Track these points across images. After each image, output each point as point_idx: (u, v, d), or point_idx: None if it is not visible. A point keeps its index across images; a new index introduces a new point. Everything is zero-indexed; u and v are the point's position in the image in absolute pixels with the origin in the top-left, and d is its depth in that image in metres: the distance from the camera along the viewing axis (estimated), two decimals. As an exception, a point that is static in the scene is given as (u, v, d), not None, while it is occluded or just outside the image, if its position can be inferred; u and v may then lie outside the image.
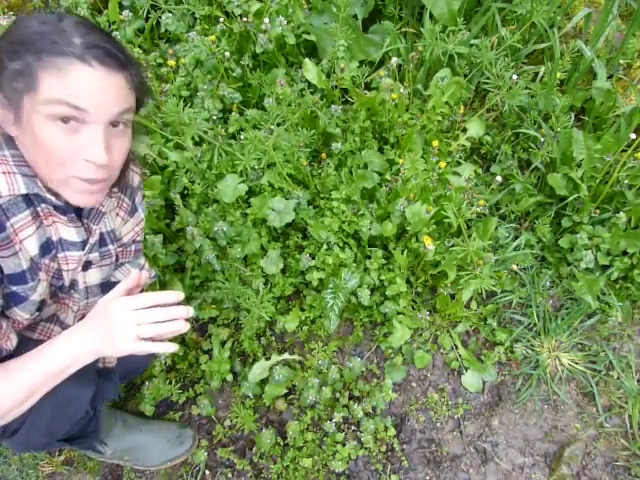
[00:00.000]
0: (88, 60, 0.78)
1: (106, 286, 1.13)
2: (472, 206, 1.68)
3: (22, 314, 0.99)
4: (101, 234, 1.05)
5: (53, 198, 0.90)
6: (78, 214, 0.99)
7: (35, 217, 0.91)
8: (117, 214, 1.10)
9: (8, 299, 0.94)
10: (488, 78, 1.86)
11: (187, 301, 1.70)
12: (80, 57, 0.77)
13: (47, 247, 0.96)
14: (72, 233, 0.97)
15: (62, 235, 0.97)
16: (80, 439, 1.26)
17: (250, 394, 1.65)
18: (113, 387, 1.24)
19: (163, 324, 0.91)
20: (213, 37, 1.82)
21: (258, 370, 1.60)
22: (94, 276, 1.09)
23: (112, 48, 0.81)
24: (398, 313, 1.76)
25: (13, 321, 0.99)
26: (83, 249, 1.01)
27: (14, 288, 0.93)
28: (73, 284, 1.06)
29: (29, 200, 0.89)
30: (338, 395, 1.67)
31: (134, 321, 0.90)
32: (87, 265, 1.05)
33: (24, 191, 0.86)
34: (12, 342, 0.96)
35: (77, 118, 0.79)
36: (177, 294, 0.94)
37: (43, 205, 0.91)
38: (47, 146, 0.80)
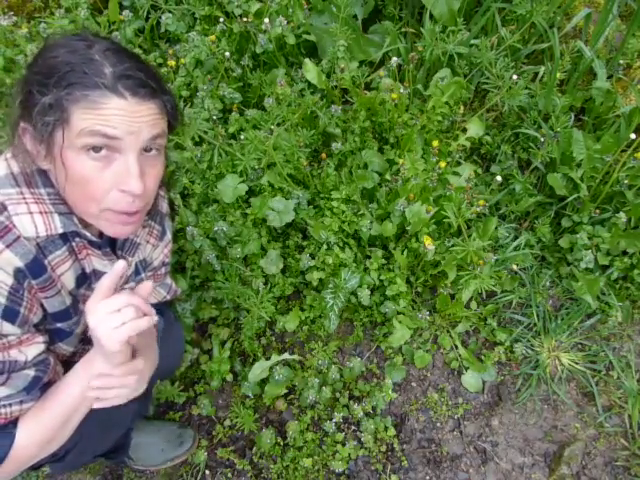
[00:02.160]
0: (120, 92, 0.75)
1: None
2: (472, 206, 1.68)
3: (67, 348, 0.99)
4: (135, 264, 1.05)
5: (88, 234, 0.89)
6: (112, 247, 0.98)
7: (71, 252, 0.91)
8: (147, 241, 1.09)
9: (53, 335, 0.94)
10: (488, 78, 1.86)
11: (188, 298, 1.70)
12: (112, 89, 0.75)
13: (82, 278, 0.95)
14: (106, 266, 0.97)
15: (95, 267, 0.96)
16: (113, 454, 1.27)
17: (250, 394, 1.65)
18: (148, 402, 1.24)
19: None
20: (213, 37, 1.82)
21: (258, 370, 1.60)
22: None
23: (144, 76, 0.78)
24: (398, 313, 1.76)
25: (56, 355, 0.98)
26: None
27: (59, 325, 0.93)
28: None
29: (65, 236, 0.89)
30: (338, 395, 1.68)
31: (112, 317, 0.82)
32: None
33: (61, 230, 0.85)
34: (59, 375, 0.96)
35: (110, 147, 0.77)
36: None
37: (77, 239, 0.91)
38: (81, 179, 0.78)
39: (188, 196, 1.78)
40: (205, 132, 1.71)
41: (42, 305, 0.88)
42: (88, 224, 0.88)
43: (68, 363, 0.99)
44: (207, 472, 1.58)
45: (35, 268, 0.84)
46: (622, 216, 1.76)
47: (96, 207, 0.81)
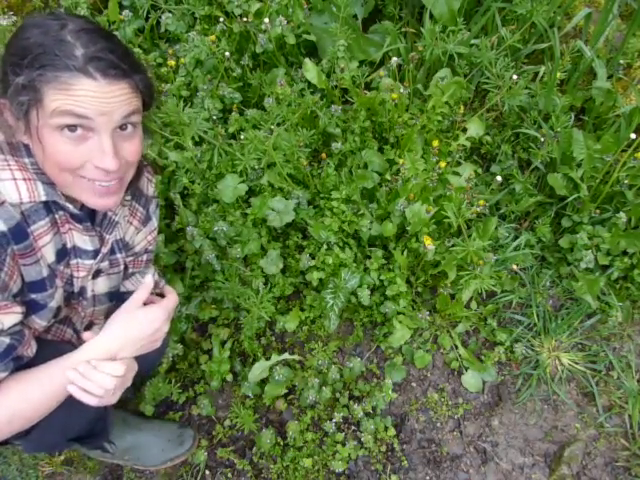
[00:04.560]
0: (91, 73, 0.76)
1: (114, 295, 1.14)
2: (472, 206, 1.67)
3: (40, 322, 0.99)
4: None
5: (70, 206, 0.91)
6: (92, 222, 0.99)
7: (53, 224, 0.92)
8: (130, 223, 1.09)
9: (27, 307, 0.95)
10: (488, 78, 1.86)
11: (187, 301, 1.70)
12: (83, 70, 0.76)
13: (62, 253, 0.97)
14: (86, 241, 0.98)
15: (76, 242, 0.97)
16: (89, 439, 1.26)
17: (250, 394, 1.65)
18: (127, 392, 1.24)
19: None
20: (213, 37, 1.82)
21: (258, 370, 1.60)
22: (102, 285, 1.09)
23: (115, 58, 0.79)
24: (398, 313, 1.76)
25: (29, 328, 0.99)
26: (95, 258, 1.01)
27: (33, 296, 0.94)
28: (82, 292, 1.07)
29: (48, 207, 0.90)
30: (338, 395, 1.68)
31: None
32: (97, 273, 1.06)
33: (44, 198, 0.87)
34: (32, 349, 0.97)
35: (84, 126, 0.79)
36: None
37: (61, 212, 0.92)
38: (57, 156, 0.81)
39: (188, 196, 1.78)
40: (205, 132, 1.71)
41: (21, 275, 0.90)
42: (70, 199, 0.90)
43: (41, 340, 1.01)
44: (207, 472, 1.58)
45: (18, 234, 0.85)
46: (622, 216, 1.76)
47: (70, 175, 0.84)
